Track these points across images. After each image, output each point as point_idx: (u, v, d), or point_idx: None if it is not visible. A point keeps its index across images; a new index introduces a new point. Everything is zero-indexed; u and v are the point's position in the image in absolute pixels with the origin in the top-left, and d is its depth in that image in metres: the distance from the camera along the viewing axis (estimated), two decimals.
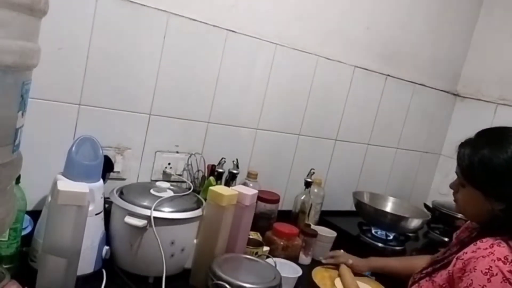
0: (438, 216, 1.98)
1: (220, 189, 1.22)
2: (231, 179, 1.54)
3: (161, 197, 1.19)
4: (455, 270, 1.00)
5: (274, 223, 1.52)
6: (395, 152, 2.14)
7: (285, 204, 1.77)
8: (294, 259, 1.45)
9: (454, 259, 1.02)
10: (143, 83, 1.36)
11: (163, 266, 1.09)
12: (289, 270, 1.33)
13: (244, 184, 1.57)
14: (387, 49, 1.94)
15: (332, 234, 1.63)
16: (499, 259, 0.92)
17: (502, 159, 0.99)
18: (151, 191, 1.22)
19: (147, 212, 1.13)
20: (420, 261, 1.33)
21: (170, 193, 1.23)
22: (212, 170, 1.49)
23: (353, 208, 1.86)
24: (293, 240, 1.46)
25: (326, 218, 1.85)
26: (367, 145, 2.03)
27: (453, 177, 1.15)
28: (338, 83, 1.84)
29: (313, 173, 1.72)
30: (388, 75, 1.97)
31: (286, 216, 1.71)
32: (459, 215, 1.89)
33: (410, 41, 2.01)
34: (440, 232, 1.99)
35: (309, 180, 1.71)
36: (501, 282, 0.90)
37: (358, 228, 1.81)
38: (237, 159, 1.56)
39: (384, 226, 1.74)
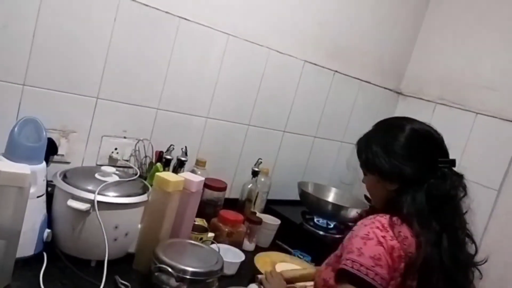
0: (373, 206, 2.09)
1: (166, 175, 1.24)
2: (179, 166, 1.56)
3: (105, 181, 1.19)
4: (346, 239, 1.08)
5: (220, 210, 1.56)
6: (340, 145, 2.23)
7: (232, 192, 1.81)
8: (238, 245, 1.50)
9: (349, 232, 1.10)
10: (91, 66, 1.35)
11: (105, 250, 1.10)
12: (233, 256, 1.38)
13: (192, 171, 1.60)
14: (336, 45, 2.01)
15: (276, 222, 1.69)
16: (377, 227, 1.01)
17: (394, 145, 1.09)
18: (96, 175, 1.22)
19: (90, 196, 1.12)
20: None
21: (115, 178, 1.23)
22: (159, 156, 1.50)
23: (298, 198, 1.93)
24: (237, 227, 1.51)
25: (271, 206, 1.90)
26: (313, 138, 2.10)
27: None
28: (288, 76, 1.89)
29: (261, 162, 1.77)
30: (336, 71, 2.05)
31: (233, 203, 1.75)
32: None
33: (358, 39, 2.09)
34: None
35: (256, 169, 1.75)
36: (375, 245, 0.98)
37: (302, 216, 1.88)
38: (186, 147, 1.57)
39: (325, 215, 1.82)
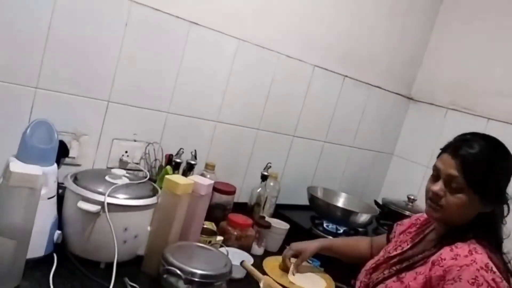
0: (387, 213, 2.07)
1: (176, 178, 1.25)
2: (188, 170, 1.56)
3: (115, 183, 1.19)
4: (434, 277, 1.01)
5: (229, 214, 1.56)
6: (350, 151, 2.23)
7: (241, 196, 1.81)
8: (247, 249, 1.49)
9: (429, 263, 1.04)
10: (103, 70, 1.36)
11: (115, 252, 1.11)
12: (241, 259, 1.37)
13: (202, 175, 1.60)
14: (346, 50, 2.01)
15: (285, 226, 1.68)
16: (482, 268, 0.96)
17: (504, 164, 1.07)
18: (106, 177, 1.23)
19: (101, 198, 1.13)
20: (362, 243, 1.44)
21: (125, 180, 1.24)
22: (169, 159, 1.50)
23: (307, 203, 1.92)
24: (246, 231, 1.51)
25: (280, 211, 1.90)
26: (323, 143, 2.10)
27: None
28: (298, 81, 1.89)
29: (270, 167, 1.77)
30: (346, 76, 2.05)
31: (242, 207, 1.75)
32: (407, 213, 2.00)
33: (368, 44, 2.09)
34: (388, 228, 2.08)
35: (265, 173, 1.75)
36: None
37: (311, 221, 1.87)
38: (195, 150, 1.58)
39: (335, 220, 1.81)
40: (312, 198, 1.85)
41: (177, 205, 1.22)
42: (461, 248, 1.01)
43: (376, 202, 2.15)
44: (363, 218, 1.76)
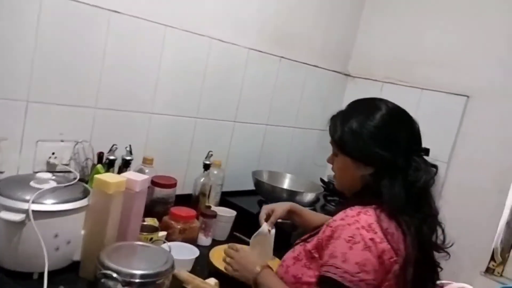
0: (333, 189, 2.10)
1: (106, 176, 1.19)
2: (124, 166, 1.50)
3: (41, 189, 1.12)
4: (324, 237, 1.02)
5: (171, 208, 1.51)
6: (292, 131, 2.23)
7: (185, 187, 1.76)
8: (193, 241, 1.46)
9: (325, 226, 1.05)
10: (17, 66, 1.26)
11: (45, 261, 1.04)
12: (187, 252, 1.34)
13: (140, 170, 1.54)
14: (280, 31, 1.99)
15: (231, 213, 1.66)
16: (363, 227, 0.95)
17: (370, 125, 1.03)
18: (31, 183, 1.14)
19: (24, 205, 1.06)
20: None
21: (52, 184, 1.16)
22: (100, 157, 1.43)
23: (254, 188, 1.91)
24: (190, 223, 1.47)
25: (227, 198, 1.88)
26: (265, 126, 2.08)
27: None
28: (233, 65, 1.85)
29: (211, 155, 1.73)
30: (282, 57, 2.03)
31: (187, 199, 1.70)
32: None
33: (301, 23, 2.08)
34: (335, 203, 2.11)
35: (207, 162, 1.71)
36: (362, 249, 0.93)
37: (258, 205, 1.86)
38: (130, 145, 1.51)
39: (281, 201, 1.80)
40: (257, 182, 1.84)
41: (110, 204, 1.16)
42: (353, 210, 1.00)
43: (322, 180, 2.17)
44: (309, 197, 1.78)
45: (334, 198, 2.12)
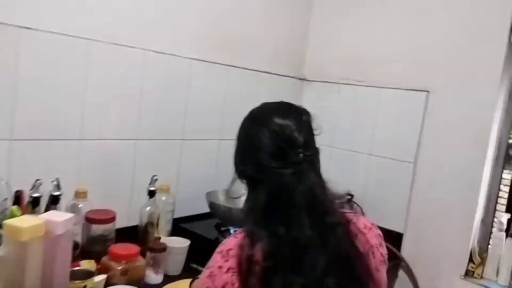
0: None
1: (19, 220, 1.00)
2: (52, 203, 1.30)
3: None
4: None
5: (111, 246, 1.32)
6: None
7: (130, 219, 1.56)
8: (138, 282, 1.27)
9: None
10: None
11: None
12: None
13: (73, 206, 1.35)
14: (224, 38, 1.84)
15: (184, 243, 1.48)
16: (221, 252, 0.85)
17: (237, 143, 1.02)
18: None
19: None
20: None
21: None
22: (17, 197, 1.23)
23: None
24: (133, 261, 1.28)
25: (181, 225, 1.70)
26: (218, 141, 1.91)
27: None
28: (174, 78, 1.68)
29: (156, 179, 1.55)
30: (230, 65, 1.88)
31: (133, 232, 1.51)
32: None
33: (247, 28, 1.94)
34: None
35: (152, 188, 1.53)
36: (206, 276, 0.83)
37: (216, 229, 1.68)
38: (57, 179, 1.31)
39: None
40: (212, 204, 1.67)
41: (26, 254, 0.97)
42: (236, 233, 0.89)
43: None
44: None
45: None
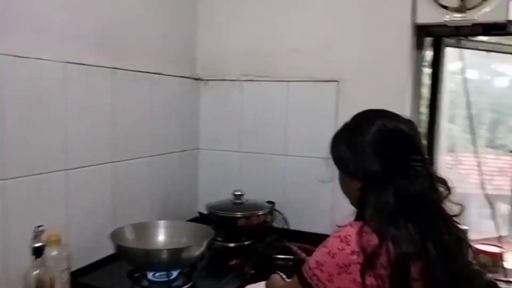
0: (217, 221, 1.67)
1: None
2: None
3: None
4: None
5: None
6: (149, 162, 1.70)
7: None
8: None
9: None
10: None
11: None
12: None
13: None
14: (104, 38, 1.46)
15: None
16: (339, 237, 0.92)
17: (363, 140, 0.99)
18: None
19: None
20: None
21: None
22: None
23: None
24: None
25: (82, 281, 1.30)
26: (111, 164, 1.52)
27: None
28: (46, 87, 1.26)
29: (42, 231, 1.12)
30: (115, 68, 1.50)
31: None
32: (239, 214, 1.65)
33: (130, 27, 1.58)
34: (223, 238, 1.69)
35: (38, 245, 1.10)
36: (325, 253, 0.92)
37: (129, 278, 1.31)
38: None
39: (162, 266, 1.30)
40: (120, 248, 1.29)
41: None
42: (348, 223, 0.96)
43: (201, 214, 1.73)
44: (200, 249, 1.30)
45: (220, 231, 1.65)
